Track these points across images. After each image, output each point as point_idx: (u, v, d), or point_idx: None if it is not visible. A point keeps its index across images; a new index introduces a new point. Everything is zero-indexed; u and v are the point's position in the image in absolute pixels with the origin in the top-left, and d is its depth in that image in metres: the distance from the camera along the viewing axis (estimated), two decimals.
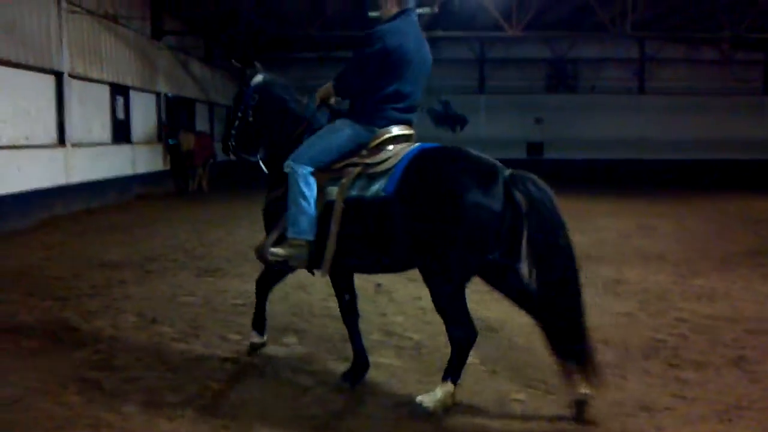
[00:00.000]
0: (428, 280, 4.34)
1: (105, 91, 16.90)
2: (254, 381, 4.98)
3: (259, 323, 5.45)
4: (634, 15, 18.87)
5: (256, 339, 5.47)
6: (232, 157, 5.55)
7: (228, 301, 7.23)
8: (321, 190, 4.61)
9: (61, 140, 14.45)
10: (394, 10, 4.75)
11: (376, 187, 4.44)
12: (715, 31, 22.82)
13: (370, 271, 5.17)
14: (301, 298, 7.35)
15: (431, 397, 4.33)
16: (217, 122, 26.57)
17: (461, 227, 4.08)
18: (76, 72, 15.06)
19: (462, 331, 4.30)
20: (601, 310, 6.95)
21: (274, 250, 4.74)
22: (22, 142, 12.89)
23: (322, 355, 5.53)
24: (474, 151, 4.37)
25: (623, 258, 9.87)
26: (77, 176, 14.86)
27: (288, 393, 4.74)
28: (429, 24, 20.13)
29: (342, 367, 5.15)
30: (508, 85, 30.29)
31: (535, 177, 4.20)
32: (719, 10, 21.48)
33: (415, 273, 7.45)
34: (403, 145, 4.62)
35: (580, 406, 4.30)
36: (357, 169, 4.56)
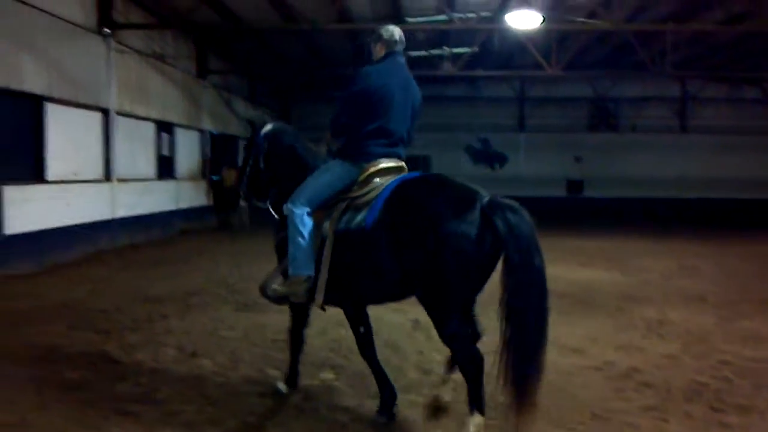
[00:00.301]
0: (428, 311, 4.38)
1: (150, 128, 17.28)
2: (292, 416, 5.01)
3: (291, 378, 5.53)
4: (675, 54, 18.81)
5: (281, 388, 5.51)
6: (242, 203, 5.63)
7: (267, 336, 7.28)
8: (318, 227, 4.79)
9: (108, 176, 14.78)
10: (382, 52, 5.15)
11: (359, 218, 4.62)
12: (756, 71, 22.64)
13: (371, 301, 5.17)
14: (340, 334, 7.36)
15: None
16: None
17: (441, 255, 4.13)
18: (123, 109, 15.45)
19: (467, 357, 4.26)
20: (644, 351, 6.89)
21: (275, 287, 4.98)
22: (71, 177, 13.22)
23: (359, 392, 5.54)
24: (455, 179, 4.46)
25: (666, 299, 9.73)
26: (122, 211, 15.16)
27: (324, 429, 4.77)
28: (469, 63, 20.28)
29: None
30: (548, 123, 30.27)
31: (514, 203, 4.22)
32: (760, 50, 21.33)
33: None
34: (389, 176, 4.79)
35: (437, 410, 4.51)
36: (345, 203, 4.77)
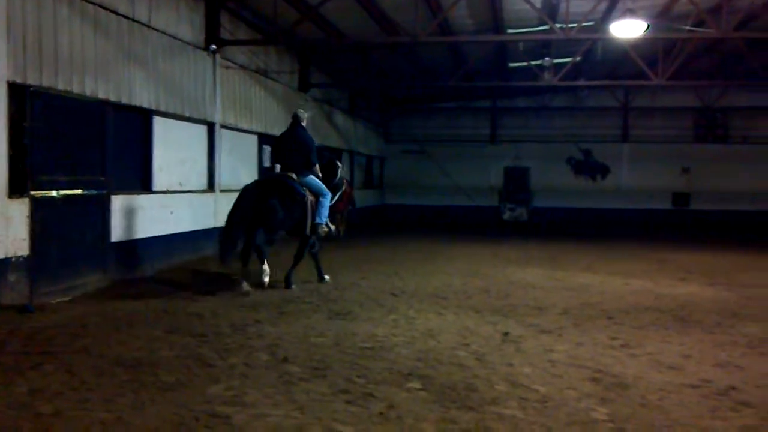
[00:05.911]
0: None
1: (253, 141, 17.75)
2: (376, 424, 5.02)
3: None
4: None
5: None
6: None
7: (357, 344, 7.32)
8: None
9: (211, 186, 15.25)
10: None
11: None
12: None
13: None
14: (428, 345, 7.35)
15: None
16: (357, 170, 27.31)
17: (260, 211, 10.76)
18: (227, 123, 15.91)
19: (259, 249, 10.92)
20: (744, 369, 6.59)
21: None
22: (176, 187, 13.71)
23: (445, 403, 5.49)
24: (280, 178, 10.97)
25: None
26: (224, 220, 15.54)
27: None
28: (571, 73, 19.94)
29: (466, 416, 5.16)
30: (653, 133, 29.41)
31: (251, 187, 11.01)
32: None
33: (548, 324, 7.35)
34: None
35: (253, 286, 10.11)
36: None
